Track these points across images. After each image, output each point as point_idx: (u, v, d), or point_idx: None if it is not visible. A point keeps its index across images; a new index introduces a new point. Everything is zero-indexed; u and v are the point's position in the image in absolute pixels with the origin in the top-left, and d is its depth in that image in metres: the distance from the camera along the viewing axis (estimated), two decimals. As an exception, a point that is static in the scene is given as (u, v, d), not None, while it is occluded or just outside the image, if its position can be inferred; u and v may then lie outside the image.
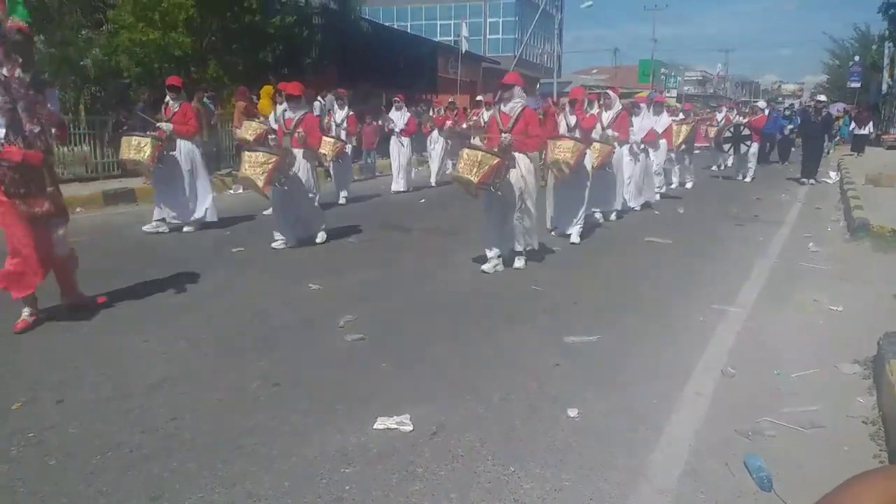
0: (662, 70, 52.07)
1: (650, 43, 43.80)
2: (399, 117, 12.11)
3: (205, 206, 7.70)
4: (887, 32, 27.41)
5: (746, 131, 13.97)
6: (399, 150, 11.97)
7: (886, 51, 28.13)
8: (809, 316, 4.76)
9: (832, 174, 14.35)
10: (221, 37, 15.09)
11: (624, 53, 46.85)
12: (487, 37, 39.31)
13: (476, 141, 6.10)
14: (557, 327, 4.38)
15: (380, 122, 14.41)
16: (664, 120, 10.88)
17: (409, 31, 33.97)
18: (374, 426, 2.94)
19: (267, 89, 12.60)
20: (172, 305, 4.79)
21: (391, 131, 12.22)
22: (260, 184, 6.27)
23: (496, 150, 5.57)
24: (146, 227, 7.52)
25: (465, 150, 5.59)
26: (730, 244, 7.37)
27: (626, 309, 4.85)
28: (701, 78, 69.07)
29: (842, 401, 3.34)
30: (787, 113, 19.15)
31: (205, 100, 12.43)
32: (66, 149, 10.39)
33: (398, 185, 11.91)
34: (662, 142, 10.69)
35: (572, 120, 7.18)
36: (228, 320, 4.51)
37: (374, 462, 2.68)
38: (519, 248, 6.01)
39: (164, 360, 3.73)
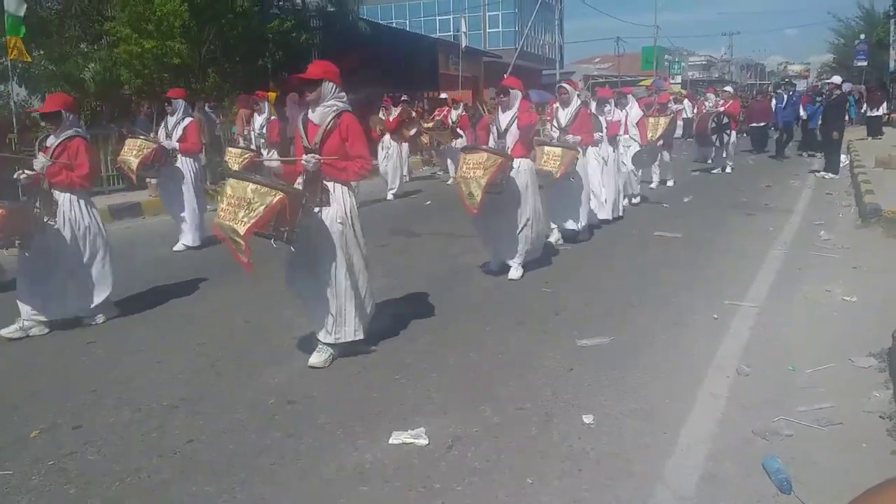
0: (666, 56, 51.58)
1: (653, 29, 43.43)
2: None
3: None
4: (893, 10, 27.06)
5: (726, 120, 13.30)
6: None
7: (892, 28, 27.80)
8: (823, 308, 4.73)
9: (842, 157, 14.16)
10: (220, 45, 15.13)
11: (626, 42, 46.21)
12: (487, 30, 39.20)
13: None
14: (569, 330, 4.37)
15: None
16: (634, 112, 9.38)
17: (407, 27, 33.90)
18: (390, 441, 2.95)
19: (269, 96, 12.62)
20: (186, 323, 4.83)
21: None
22: None
23: (299, 178, 3.82)
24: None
25: (230, 181, 3.62)
26: (740, 235, 7.31)
27: (639, 308, 4.84)
28: (706, 62, 68.47)
29: (858, 396, 3.32)
30: (819, 99, 15.71)
31: (206, 109, 12.47)
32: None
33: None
34: (631, 137, 9.26)
35: (503, 121, 5.56)
36: (242, 335, 4.53)
37: (391, 478, 2.69)
38: (323, 336, 3.91)
39: (181, 380, 3.76)
